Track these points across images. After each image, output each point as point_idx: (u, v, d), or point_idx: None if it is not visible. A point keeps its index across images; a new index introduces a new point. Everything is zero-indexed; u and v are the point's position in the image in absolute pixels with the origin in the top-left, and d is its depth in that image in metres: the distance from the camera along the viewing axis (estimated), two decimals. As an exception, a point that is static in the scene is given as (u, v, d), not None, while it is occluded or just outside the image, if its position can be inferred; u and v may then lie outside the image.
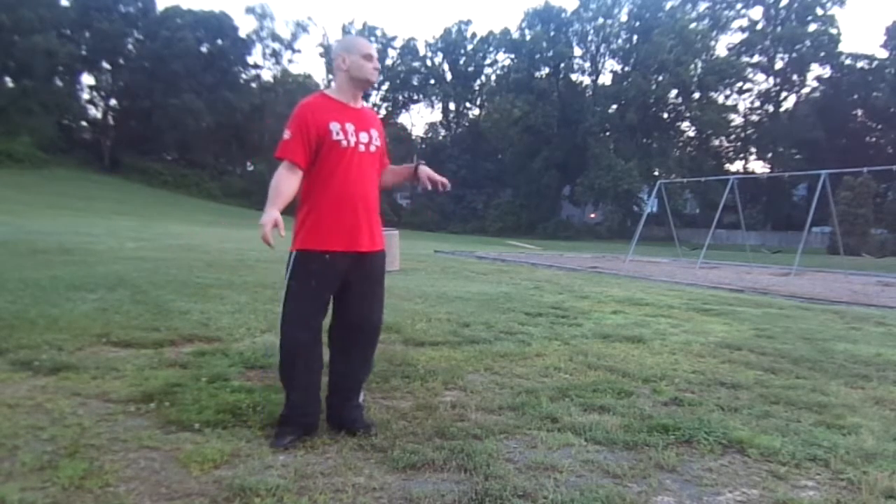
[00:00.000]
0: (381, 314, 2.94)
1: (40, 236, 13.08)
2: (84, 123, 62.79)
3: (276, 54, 69.22)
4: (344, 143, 2.70)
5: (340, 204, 2.71)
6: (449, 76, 71.08)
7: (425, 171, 3.02)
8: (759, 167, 62.04)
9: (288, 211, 2.65)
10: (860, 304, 9.36)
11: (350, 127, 2.73)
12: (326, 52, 71.80)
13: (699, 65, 57.32)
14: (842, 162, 35.16)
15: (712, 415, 3.28)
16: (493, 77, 70.60)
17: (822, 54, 57.39)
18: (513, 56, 65.70)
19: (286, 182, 2.64)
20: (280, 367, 2.77)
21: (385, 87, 69.42)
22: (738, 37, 61.70)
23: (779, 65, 60.31)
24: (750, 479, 2.52)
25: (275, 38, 68.34)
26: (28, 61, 49.42)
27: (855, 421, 3.27)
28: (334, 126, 2.69)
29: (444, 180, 2.99)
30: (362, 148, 2.76)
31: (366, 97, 2.97)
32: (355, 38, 2.97)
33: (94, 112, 63.19)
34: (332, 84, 2.88)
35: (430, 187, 2.98)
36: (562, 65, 61.79)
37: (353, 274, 2.76)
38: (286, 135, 2.68)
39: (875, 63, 56.01)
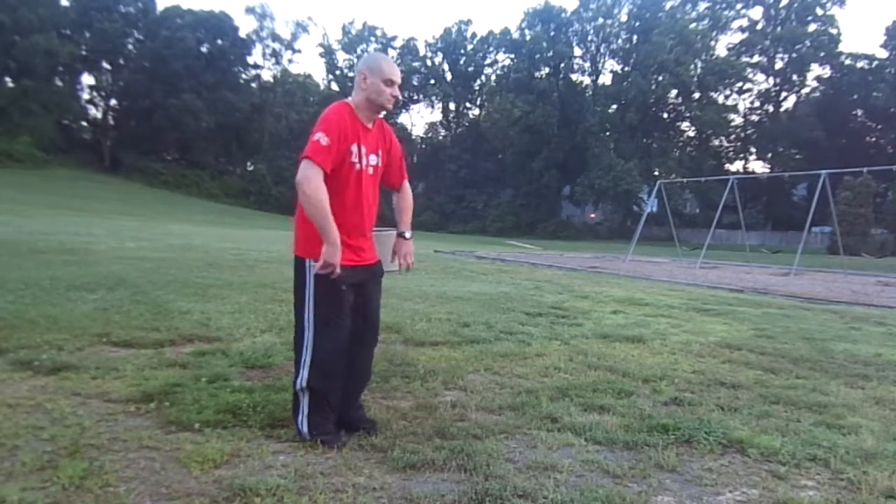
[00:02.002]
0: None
1: (40, 236, 13.08)
2: (84, 123, 62.89)
3: (276, 54, 69.33)
4: (357, 166, 2.74)
5: (352, 225, 2.76)
6: (449, 76, 71.12)
7: (403, 246, 3.01)
8: (759, 167, 62.17)
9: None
10: (860, 304, 9.36)
11: (363, 150, 2.75)
12: (326, 52, 71.89)
13: (699, 65, 57.39)
14: (842, 162, 35.15)
15: (712, 415, 3.28)
16: (493, 77, 70.68)
17: (822, 54, 57.45)
18: (513, 56, 65.76)
19: (324, 192, 2.60)
20: (317, 372, 2.70)
21: (385, 87, 69.34)
22: (738, 37, 61.86)
23: (779, 65, 60.37)
24: (750, 479, 2.52)
25: (275, 38, 68.46)
26: (28, 61, 49.48)
27: (855, 421, 3.27)
28: (354, 148, 2.72)
29: (410, 262, 3.01)
30: (370, 171, 2.81)
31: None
32: (382, 58, 2.83)
33: (94, 112, 63.39)
34: (353, 97, 2.80)
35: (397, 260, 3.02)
36: (562, 65, 61.84)
37: (364, 281, 2.84)
38: (323, 140, 2.61)
39: (875, 63, 56.07)
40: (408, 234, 3.01)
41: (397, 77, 2.77)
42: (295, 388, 2.77)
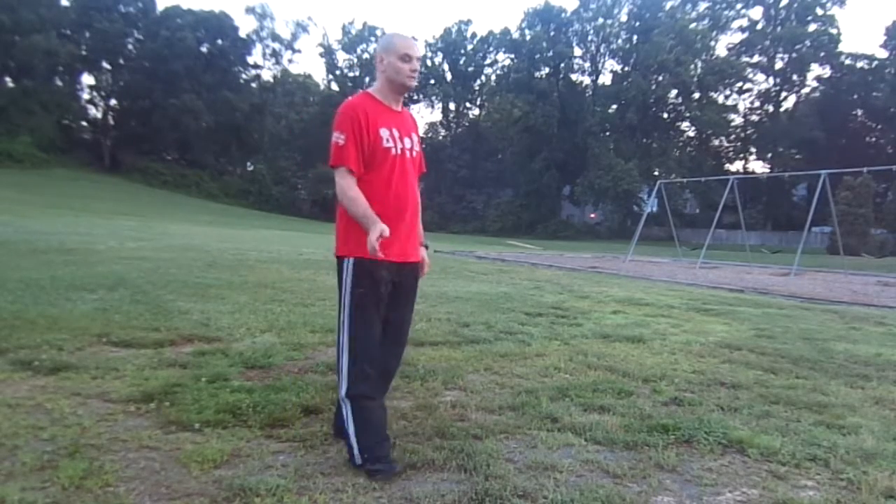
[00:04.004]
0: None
1: (40, 236, 13.08)
2: (84, 123, 62.87)
3: (276, 54, 69.42)
4: (394, 150, 2.58)
5: (396, 215, 2.58)
6: (449, 76, 71.16)
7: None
8: (759, 167, 62.20)
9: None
10: (860, 304, 9.36)
11: (396, 133, 2.60)
12: (326, 52, 71.92)
13: (699, 65, 57.40)
14: (842, 162, 35.17)
15: (712, 415, 3.28)
16: (493, 77, 70.69)
17: (822, 54, 57.45)
18: (513, 56, 65.78)
19: (357, 189, 2.49)
20: (356, 379, 2.52)
21: (385, 86, 69.35)
22: (738, 37, 61.86)
23: (779, 65, 60.36)
24: (750, 479, 2.52)
25: (275, 38, 68.55)
26: (28, 61, 49.49)
27: (855, 421, 3.27)
28: (384, 132, 2.56)
29: (423, 273, 2.80)
30: (408, 154, 2.65)
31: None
32: (396, 36, 2.69)
33: (94, 112, 63.37)
34: (374, 83, 2.67)
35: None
36: (562, 65, 61.83)
37: (398, 284, 2.66)
38: (339, 139, 2.49)
39: (875, 63, 56.10)
40: (427, 243, 2.85)
41: (414, 51, 2.61)
42: (339, 399, 2.60)
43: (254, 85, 67.54)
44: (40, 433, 2.64)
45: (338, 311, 2.61)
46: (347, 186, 2.49)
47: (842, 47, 57.59)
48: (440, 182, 66.24)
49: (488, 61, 71.65)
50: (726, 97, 61.75)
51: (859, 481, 2.49)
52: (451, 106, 72.95)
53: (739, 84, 60.69)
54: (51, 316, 4.93)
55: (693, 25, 58.17)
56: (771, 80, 61.33)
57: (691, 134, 63.79)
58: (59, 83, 57.62)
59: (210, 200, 54.30)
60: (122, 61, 60.43)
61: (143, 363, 3.81)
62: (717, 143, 63.05)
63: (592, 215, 63.12)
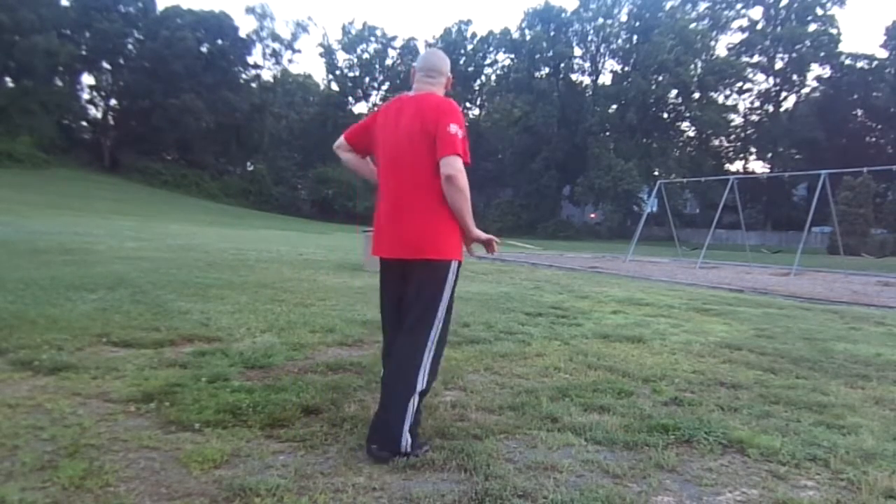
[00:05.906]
0: None
1: (40, 236, 13.08)
2: (84, 123, 62.77)
3: (276, 54, 69.40)
4: None
5: None
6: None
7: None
8: (759, 167, 62.26)
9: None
10: (860, 304, 9.36)
11: None
12: (326, 52, 71.93)
13: (699, 65, 57.43)
14: (842, 162, 35.20)
15: (712, 415, 3.28)
16: (493, 77, 70.67)
17: (822, 54, 57.49)
18: (513, 56, 65.80)
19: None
20: (432, 376, 2.67)
21: (385, 87, 69.51)
22: (738, 37, 61.91)
23: (779, 65, 60.40)
24: (750, 479, 2.52)
25: (275, 38, 68.51)
26: (28, 61, 49.39)
27: (855, 421, 3.27)
28: None
29: None
30: None
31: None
32: None
33: (94, 112, 63.25)
34: (442, 94, 2.82)
35: None
36: (562, 65, 61.85)
37: None
38: (460, 132, 2.63)
39: (875, 63, 56.12)
40: None
41: None
42: (411, 393, 2.57)
43: (254, 85, 67.50)
44: (40, 433, 2.64)
45: (425, 312, 2.63)
46: (466, 181, 2.64)
47: (842, 47, 57.71)
48: (440, 182, 66.23)
49: (488, 61, 71.66)
50: (726, 97, 61.86)
51: (859, 481, 2.49)
52: (451, 106, 72.92)
53: (739, 84, 60.76)
54: (51, 316, 4.93)
55: (693, 25, 58.20)
56: (771, 80, 61.39)
57: (691, 134, 63.84)
58: (59, 83, 57.49)
59: (210, 200, 54.26)
60: (122, 61, 60.32)
61: (143, 363, 3.80)
62: (717, 143, 63.10)
63: (592, 215, 63.12)
